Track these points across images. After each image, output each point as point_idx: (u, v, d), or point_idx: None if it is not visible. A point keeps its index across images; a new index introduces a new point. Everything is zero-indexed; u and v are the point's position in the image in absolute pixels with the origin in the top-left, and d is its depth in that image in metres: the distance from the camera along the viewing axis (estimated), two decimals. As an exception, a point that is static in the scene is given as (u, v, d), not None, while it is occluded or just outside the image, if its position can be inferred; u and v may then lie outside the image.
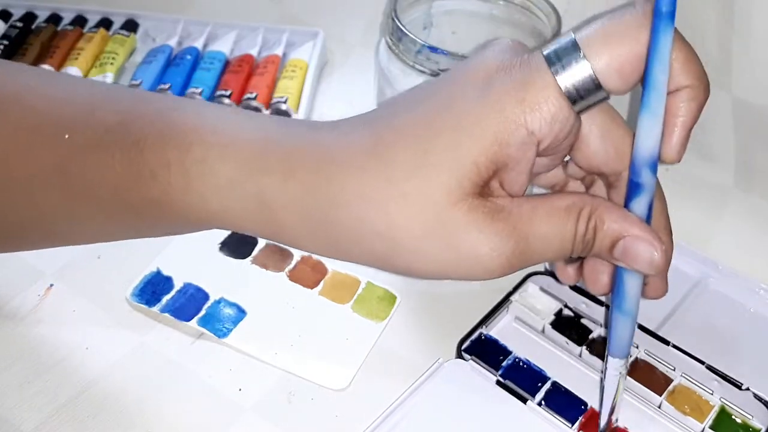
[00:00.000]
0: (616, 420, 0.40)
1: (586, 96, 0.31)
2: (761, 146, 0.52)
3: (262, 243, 0.49)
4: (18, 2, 0.66)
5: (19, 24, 0.64)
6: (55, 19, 0.65)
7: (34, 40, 0.62)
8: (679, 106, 0.31)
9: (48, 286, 0.46)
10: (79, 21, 0.65)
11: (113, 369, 0.43)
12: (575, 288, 0.46)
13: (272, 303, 0.46)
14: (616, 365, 0.38)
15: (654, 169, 0.31)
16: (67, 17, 0.65)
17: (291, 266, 0.48)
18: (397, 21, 0.49)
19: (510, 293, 0.46)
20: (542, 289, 0.47)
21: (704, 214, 0.53)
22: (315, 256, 0.49)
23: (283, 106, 0.57)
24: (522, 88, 0.30)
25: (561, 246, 0.32)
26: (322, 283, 0.48)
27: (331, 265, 0.48)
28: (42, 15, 0.66)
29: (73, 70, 0.60)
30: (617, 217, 0.32)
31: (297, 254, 0.49)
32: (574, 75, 0.30)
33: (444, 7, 0.55)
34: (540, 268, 0.47)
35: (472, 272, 0.32)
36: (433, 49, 0.47)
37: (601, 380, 0.39)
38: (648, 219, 0.33)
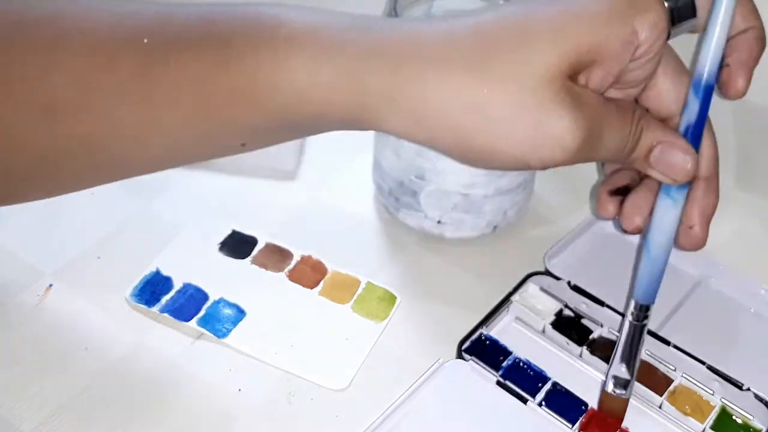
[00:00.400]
0: (633, 376, 0.40)
1: (681, 19, 0.33)
2: (762, 146, 0.52)
3: (261, 243, 0.50)
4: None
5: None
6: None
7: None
8: (745, 43, 0.35)
9: (48, 286, 0.46)
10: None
11: (113, 369, 0.43)
12: (575, 288, 0.46)
13: (272, 303, 0.46)
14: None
15: (697, 90, 0.34)
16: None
17: (290, 266, 0.48)
18: (397, 21, 0.49)
19: (510, 293, 0.46)
20: (542, 290, 0.47)
21: (705, 214, 0.53)
22: (315, 256, 0.49)
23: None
24: None
25: (622, 140, 0.34)
26: (321, 283, 0.48)
27: (331, 265, 0.49)
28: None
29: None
30: (658, 125, 0.36)
31: (297, 254, 0.49)
32: None
33: (444, 7, 0.55)
34: (540, 267, 0.48)
35: (549, 152, 0.33)
36: (434, 49, 0.47)
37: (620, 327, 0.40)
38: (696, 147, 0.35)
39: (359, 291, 0.47)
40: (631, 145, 0.35)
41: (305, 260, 0.49)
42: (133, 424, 0.40)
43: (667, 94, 0.36)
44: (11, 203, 0.41)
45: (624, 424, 0.41)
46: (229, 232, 0.50)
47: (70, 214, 0.50)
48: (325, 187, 0.54)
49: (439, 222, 0.49)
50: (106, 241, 0.49)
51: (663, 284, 0.48)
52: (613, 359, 0.40)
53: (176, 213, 0.51)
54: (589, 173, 0.55)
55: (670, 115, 0.36)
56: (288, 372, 0.43)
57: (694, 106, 0.35)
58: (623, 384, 0.40)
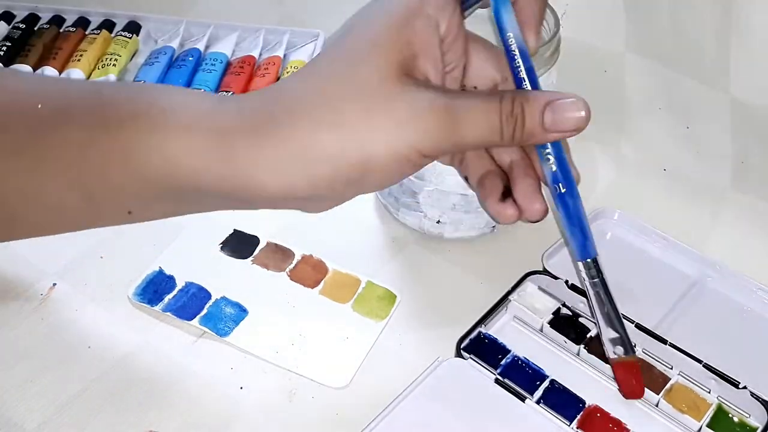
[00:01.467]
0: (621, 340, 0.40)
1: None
2: (759, 147, 0.52)
3: (263, 243, 0.50)
4: (21, 4, 0.66)
5: (22, 25, 0.64)
6: (57, 20, 0.65)
7: (36, 42, 0.62)
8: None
9: (51, 286, 0.47)
10: (82, 23, 0.65)
11: (115, 367, 0.43)
12: (573, 287, 0.47)
13: (273, 302, 0.47)
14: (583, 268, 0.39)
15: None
16: (70, 19, 0.66)
17: (292, 266, 0.49)
18: (397, 22, 0.49)
19: (509, 292, 0.47)
20: (541, 289, 0.47)
21: (702, 214, 0.53)
22: (316, 256, 0.49)
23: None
24: None
25: (488, 121, 0.35)
26: (322, 282, 0.48)
27: (332, 264, 0.49)
28: (45, 17, 0.66)
29: (76, 72, 0.60)
30: (537, 93, 0.36)
31: (298, 254, 0.49)
32: None
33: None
34: (538, 267, 0.48)
35: (412, 137, 0.34)
36: (433, 51, 0.48)
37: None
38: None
39: (359, 290, 0.48)
40: (512, 126, 0.35)
41: (306, 260, 0.49)
42: (135, 422, 0.41)
43: (486, 63, 0.39)
44: None
45: (622, 422, 0.41)
46: (230, 231, 0.51)
47: (73, 214, 0.51)
48: (325, 187, 0.54)
49: (438, 222, 0.50)
50: (108, 240, 0.49)
51: (660, 283, 0.48)
52: (598, 328, 0.40)
53: (178, 213, 0.52)
54: (586, 174, 0.55)
55: (501, 79, 0.38)
56: (289, 370, 0.43)
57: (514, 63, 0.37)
58: (620, 342, 0.40)
